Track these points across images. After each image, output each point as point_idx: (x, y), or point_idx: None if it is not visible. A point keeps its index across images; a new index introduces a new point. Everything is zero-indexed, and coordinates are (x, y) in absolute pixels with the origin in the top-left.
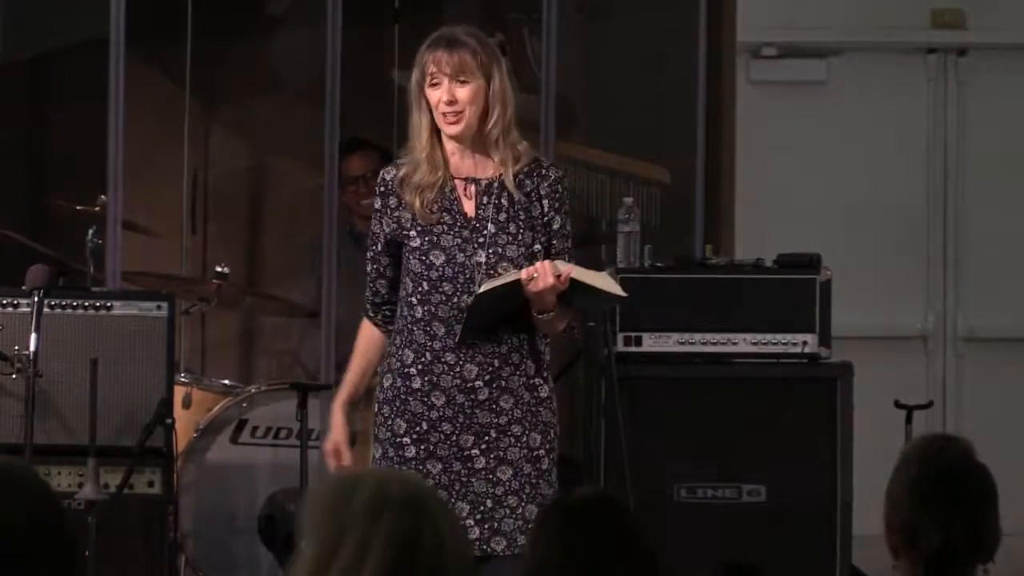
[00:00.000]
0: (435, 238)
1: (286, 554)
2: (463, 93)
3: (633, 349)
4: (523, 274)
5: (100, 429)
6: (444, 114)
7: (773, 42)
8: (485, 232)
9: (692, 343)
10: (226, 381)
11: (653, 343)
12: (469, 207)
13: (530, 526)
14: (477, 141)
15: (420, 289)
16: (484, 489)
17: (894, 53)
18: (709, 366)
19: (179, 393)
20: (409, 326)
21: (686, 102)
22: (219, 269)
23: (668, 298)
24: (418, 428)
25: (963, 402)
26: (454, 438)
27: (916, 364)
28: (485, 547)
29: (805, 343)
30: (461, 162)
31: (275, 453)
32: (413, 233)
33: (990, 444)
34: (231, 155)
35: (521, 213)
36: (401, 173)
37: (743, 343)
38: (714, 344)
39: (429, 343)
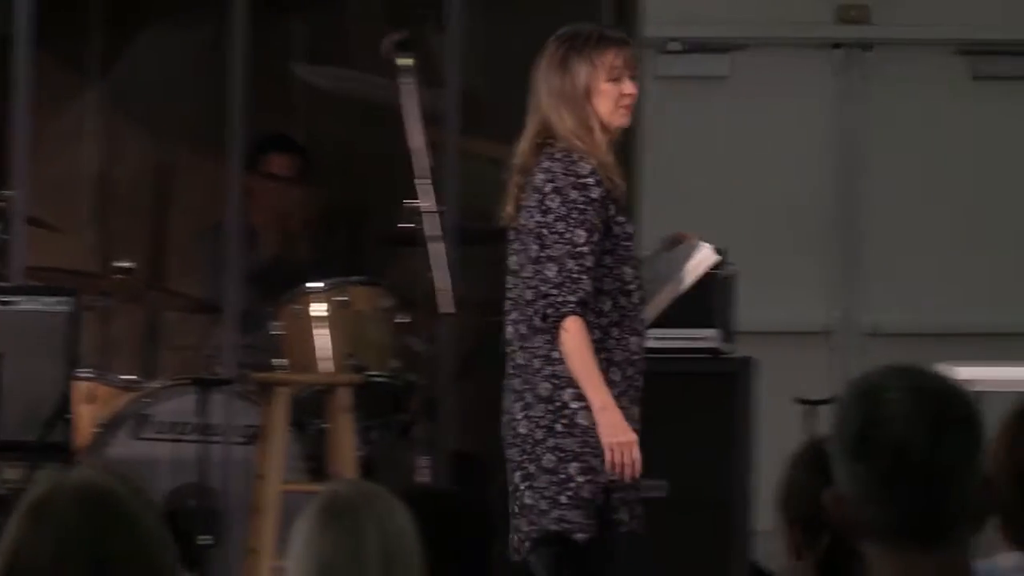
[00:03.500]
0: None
1: (186, 550)
2: (636, 89)
3: None
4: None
5: (1, 424)
6: (624, 107)
7: (678, 37)
8: None
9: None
10: (129, 376)
11: None
12: None
13: None
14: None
15: (638, 275)
16: None
17: (799, 48)
18: None
19: (82, 388)
20: (629, 314)
21: None
22: (122, 264)
23: None
24: (637, 418)
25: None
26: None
27: (819, 359)
28: None
29: (707, 338)
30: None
31: (177, 449)
32: (622, 218)
33: None
34: (136, 150)
35: None
36: (593, 162)
37: (647, 338)
38: None
39: (640, 327)
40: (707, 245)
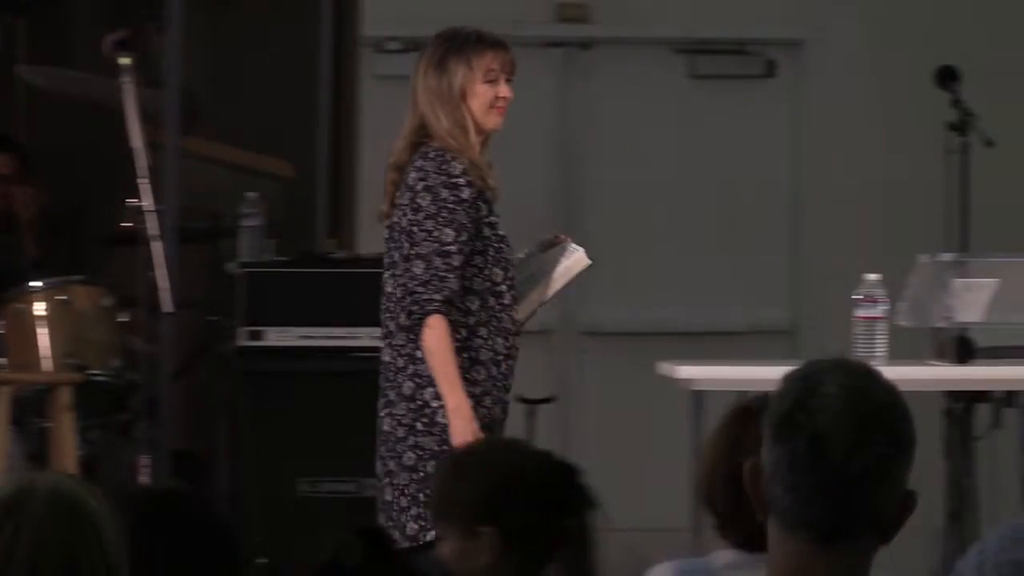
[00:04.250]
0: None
1: None
2: (511, 92)
3: (256, 344)
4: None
5: None
6: (498, 108)
7: (397, 36)
8: None
9: (315, 337)
10: None
11: (276, 337)
12: None
13: None
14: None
15: (509, 275)
16: None
17: (519, 47)
18: (332, 360)
19: None
20: (498, 314)
21: (311, 97)
22: None
23: (291, 292)
24: (503, 417)
25: (586, 396)
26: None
27: (538, 358)
28: None
29: None
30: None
31: None
32: (495, 219)
33: (610, 438)
34: None
35: None
36: (465, 162)
37: (365, 337)
38: (337, 338)
39: (511, 327)
40: (579, 248)
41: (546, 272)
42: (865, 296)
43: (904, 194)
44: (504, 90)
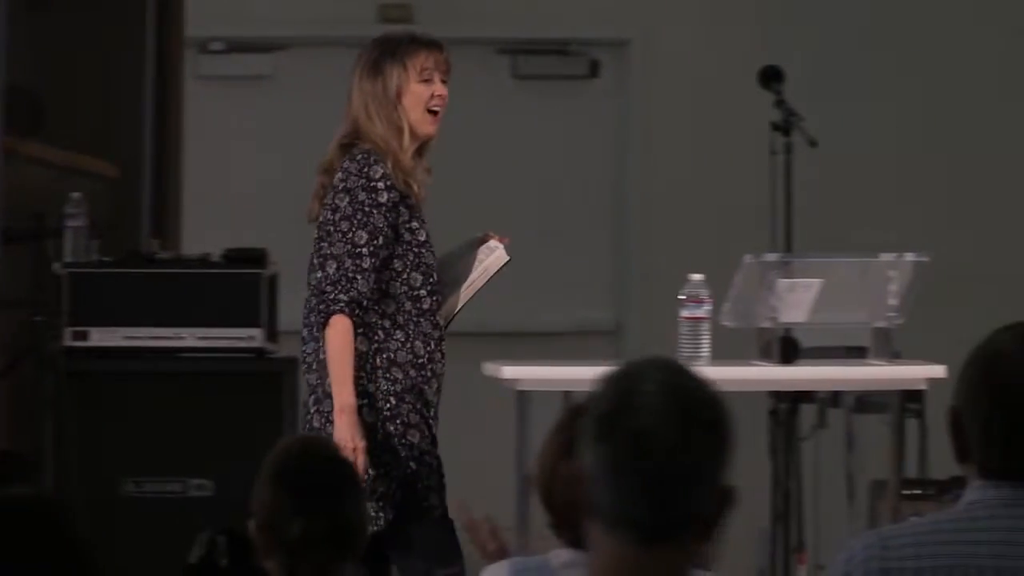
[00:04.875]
0: (426, 230)
1: None
2: (447, 91)
3: (81, 344)
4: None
5: None
6: (434, 108)
7: (220, 36)
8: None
9: (140, 337)
10: None
11: (100, 338)
12: None
13: None
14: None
15: (431, 280)
16: None
17: (341, 47)
18: (157, 360)
19: None
20: (416, 318)
21: (136, 97)
22: None
23: (116, 293)
24: (431, 415)
25: None
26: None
27: None
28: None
29: (252, 337)
30: (410, 159)
31: None
32: (416, 224)
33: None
34: None
35: None
36: (390, 165)
37: (190, 337)
38: (162, 339)
39: (433, 332)
40: (499, 245)
41: (466, 273)
42: (689, 296)
43: (729, 194)
44: (440, 89)
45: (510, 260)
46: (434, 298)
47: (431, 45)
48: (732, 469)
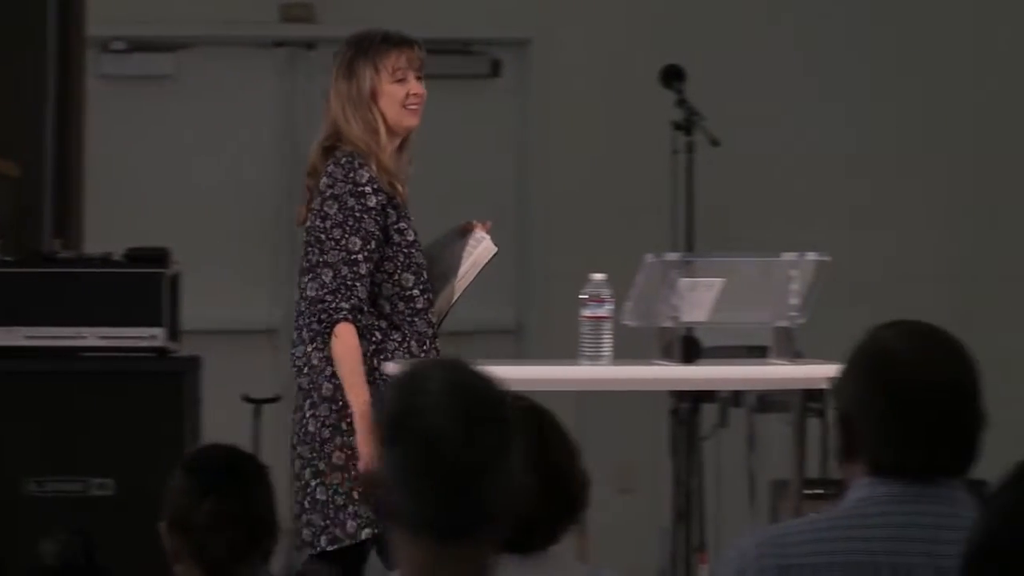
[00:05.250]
0: (413, 229)
1: None
2: (423, 88)
3: None
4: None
5: None
6: (409, 106)
7: (122, 36)
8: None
9: (41, 337)
10: None
11: (1, 337)
12: None
13: None
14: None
15: (422, 279)
16: None
17: (243, 47)
18: (58, 360)
19: None
20: (410, 318)
21: (37, 96)
22: None
23: (16, 292)
24: None
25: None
26: None
27: (263, 358)
28: None
29: (153, 337)
30: (391, 159)
31: None
32: (404, 225)
33: None
34: None
35: None
36: (374, 167)
37: (92, 337)
38: (63, 338)
39: (427, 330)
40: (485, 237)
41: (455, 268)
42: (591, 296)
43: (630, 193)
44: (414, 87)
45: (498, 251)
46: (426, 296)
47: (402, 44)
48: (518, 462)
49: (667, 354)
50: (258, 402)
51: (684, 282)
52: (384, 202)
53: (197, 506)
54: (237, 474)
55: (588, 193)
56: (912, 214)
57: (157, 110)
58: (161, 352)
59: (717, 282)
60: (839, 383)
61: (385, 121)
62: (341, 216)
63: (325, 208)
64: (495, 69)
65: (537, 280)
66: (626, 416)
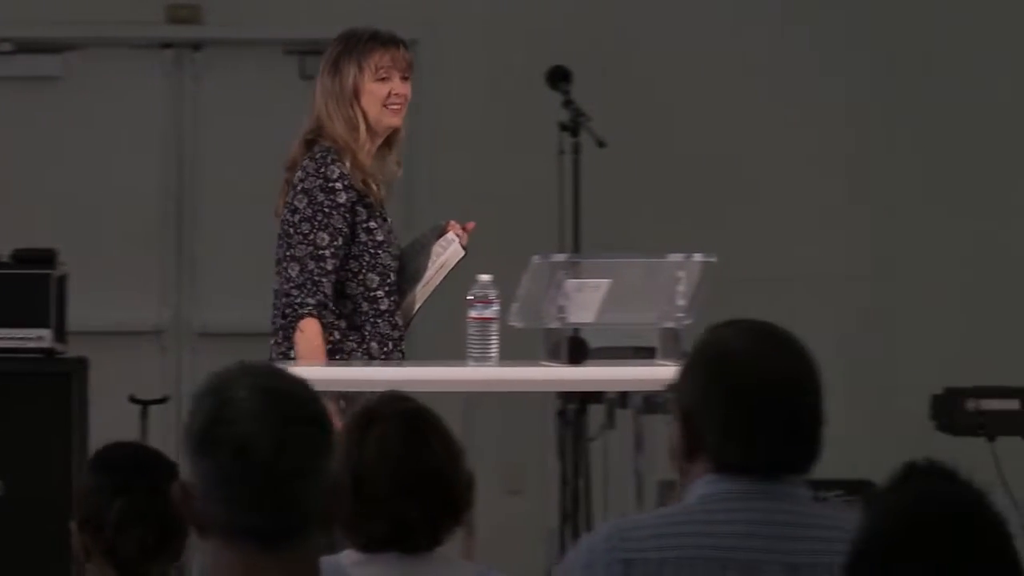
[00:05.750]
0: (385, 230)
1: None
2: (408, 89)
3: None
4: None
5: None
6: (391, 106)
7: (9, 37)
8: (390, 223)
9: None
10: None
11: None
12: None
13: None
14: (383, 139)
15: (388, 281)
16: None
17: (130, 48)
18: None
19: None
20: (373, 319)
21: None
22: None
23: None
24: None
25: None
26: None
27: (151, 359)
28: None
29: (40, 338)
30: (369, 158)
31: None
32: (374, 224)
33: None
34: None
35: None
36: (348, 164)
37: (23, 339)
38: None
39: (391, 332)
40: (455, 239)
41: (424, 269)
42: (477, 297)
43: (517, 194)
44: (398, 87)
45: (467, 253)
46: (391, 299)
47: (388, 43)
48: (335, 462)
49: (554, 355)
50: (145, 403)
51: (571, 283)
52: (354, 199)
53: (108, 504)
54: (148, 472)
55: (474, 194)
56: (796, 214)
57: (44, 111)
58: (48, 353)
59: (603, 283)
60: (679, 382)
61: (366, 119)
62: (310, 211)
63: (295, 202)
64: None
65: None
66: (513, 417)
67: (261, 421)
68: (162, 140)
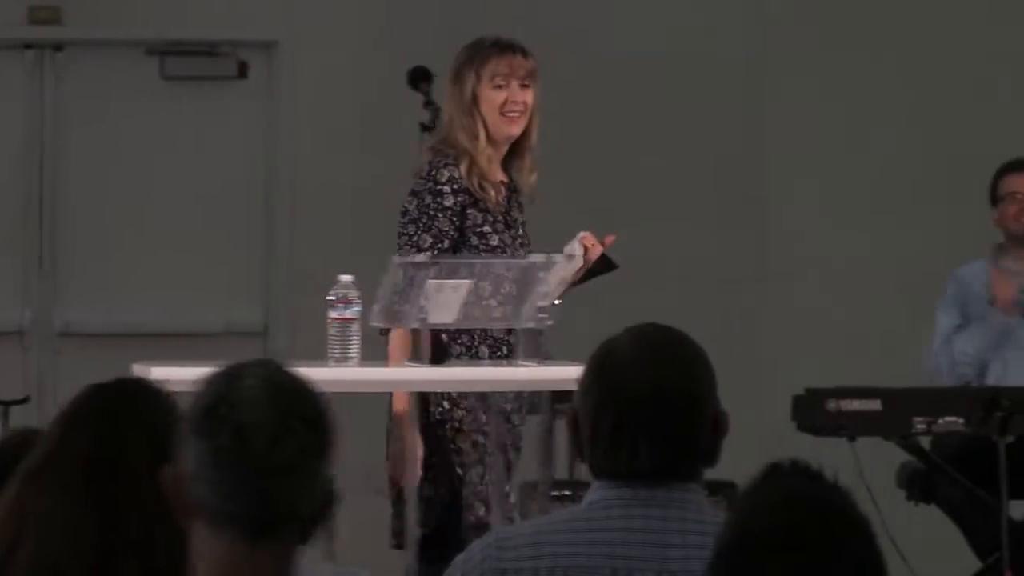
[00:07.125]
0: (507, 236)
1: None
2: (528, 96)
3: None
4: (582, 246)
5: None
6: (509, 114)
7: None
8: (521, 233)
9: None
10: None
11: None
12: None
13: None
14: (509, 146)
15: (503, 288)
16: None
17: None
18: None
19: None
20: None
21: None
22: None
23: None
24: (485, 424)
25: (62, 397)
26: None
27: (13, 359)
28: None
29: None
30: (491, 164)
31: None
32: (488, 229)
33: None
34: None
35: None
36: (463, 169)
37: None
38: None
39: (499, 335)
40: (578, 252)
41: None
42: (338, 298)
43: (379, 195)
44: (516, 94)
45: (618, 267)
46: (503, 308)
47: (506, 49)
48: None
49: (415, 356)
50: (6, 404)
51: (431, 284)
52: (465, 203)
53: None
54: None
55: (336, 194)
56: (671, 212)
57: None
58: None
59: (464, 283)
60: (578, 385)
61: (486, 127)
62: (416, 213)
63: (406, 204)
64: (242, 71)
65: (284, 281)
66: (376, 418)
67: (264, 412)
68: (23, 140)
